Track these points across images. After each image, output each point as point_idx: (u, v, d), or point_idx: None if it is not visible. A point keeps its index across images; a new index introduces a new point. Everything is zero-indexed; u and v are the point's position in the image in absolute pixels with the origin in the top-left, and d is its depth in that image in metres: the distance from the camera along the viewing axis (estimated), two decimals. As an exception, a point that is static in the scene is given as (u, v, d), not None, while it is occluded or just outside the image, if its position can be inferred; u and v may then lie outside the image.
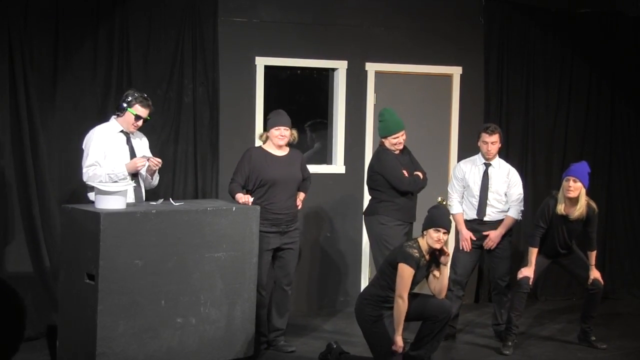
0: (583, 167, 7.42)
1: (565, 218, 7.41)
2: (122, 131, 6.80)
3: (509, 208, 7.75)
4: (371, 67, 8.91)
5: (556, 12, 9.52)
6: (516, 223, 7.91)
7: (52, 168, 7.52)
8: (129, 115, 6.76)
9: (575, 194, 7.32)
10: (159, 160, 6.85)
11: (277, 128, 7.17)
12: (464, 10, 9.27)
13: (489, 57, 9.33)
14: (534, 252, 7.51)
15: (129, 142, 6.83)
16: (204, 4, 8.20)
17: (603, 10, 9.61)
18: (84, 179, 6.73)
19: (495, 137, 7.70)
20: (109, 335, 6.02)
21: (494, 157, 7.77)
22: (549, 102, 9.61)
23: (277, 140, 7.19)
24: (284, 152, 7.25)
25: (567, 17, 9.56)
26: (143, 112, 6.79)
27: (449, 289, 7.65)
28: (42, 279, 7.45)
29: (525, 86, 9.50)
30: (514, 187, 7.78)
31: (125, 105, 6.76)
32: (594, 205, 7.47)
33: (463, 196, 7.81)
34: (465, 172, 7.79)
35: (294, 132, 7.28)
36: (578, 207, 7.34)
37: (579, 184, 7.31)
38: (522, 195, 7.82)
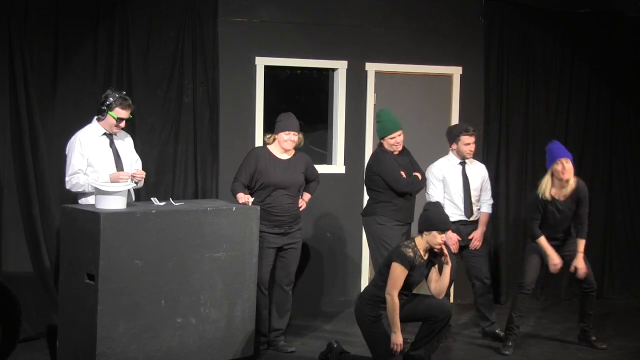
0: (560, 146, 7.42)
1: (555, 202, 7.39)
2: (105, 133, 6.76)
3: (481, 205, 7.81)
4: (371, 67, 8.91)
5: (556, 12, 9.52)
6: (490, 217, 7.96)
7: (52, 168, 7.52)
8: (110, 119, 6.72)
9: (570, 175, 7.34)
10: (142, 173, 6.79)
11: (287, 132, 7.15)
12: (464, 10, 9.27)
13: (489, 57, 9.32)
14: (543, 241, 7.44)
15: (112, 144, 6.78)
16: (204, 4, 8.20)
17: (603, 10, 9.61)
18: (67, 187, 6.72)
19: (474, 138, 7.76)
20: (109, 335, 6.02)
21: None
22: (549, 102, 9.61)
23: (285, 145, 7.17)
24: (288, 155, 7.23)
25: (567, 17, 9.56)
26: (124, 113, 6.73)
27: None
28: (42, 279, 7.45)
29: (525, 86, 9.50)
30: (487, 182, 7.87)
31: (105, 108, 6.70)
32: (582, 182, 7.49)
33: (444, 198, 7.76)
34: (445, 173, 7.76)
35: (301, 136, 7.27)
36: (570, 184, 7.34)
37: (570, 164, 7.34)
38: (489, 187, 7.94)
